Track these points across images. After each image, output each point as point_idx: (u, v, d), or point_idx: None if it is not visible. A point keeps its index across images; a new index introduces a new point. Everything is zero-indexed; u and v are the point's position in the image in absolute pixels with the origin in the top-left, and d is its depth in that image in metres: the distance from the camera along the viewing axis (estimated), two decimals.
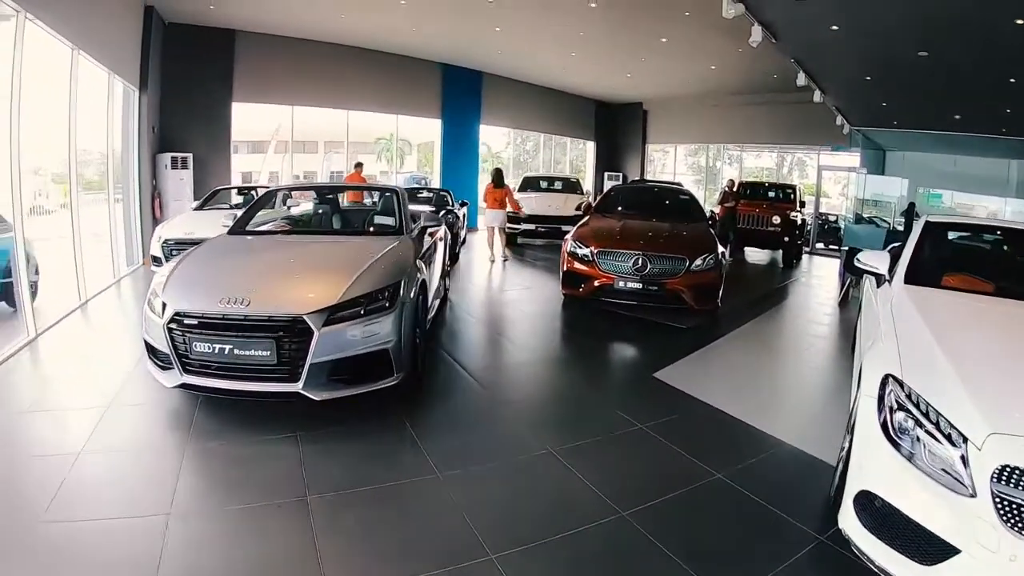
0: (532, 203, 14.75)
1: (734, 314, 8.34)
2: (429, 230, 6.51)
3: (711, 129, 21.45)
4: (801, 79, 10.40)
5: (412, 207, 8.25)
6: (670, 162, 24.41)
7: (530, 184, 16.75)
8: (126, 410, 4.57)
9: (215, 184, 13.31)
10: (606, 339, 7.25)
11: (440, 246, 7.56)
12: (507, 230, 13.54)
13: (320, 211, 7.25)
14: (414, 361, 4.84)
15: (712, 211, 10.85)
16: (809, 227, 16.86)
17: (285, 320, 4.14)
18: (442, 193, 14.46)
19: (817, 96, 11.60)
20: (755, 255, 15.50)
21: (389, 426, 4.36)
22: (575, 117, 23.12)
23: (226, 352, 4.13)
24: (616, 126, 24.25)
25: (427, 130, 20.49)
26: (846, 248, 10.38)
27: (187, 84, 14.21)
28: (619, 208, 9.85)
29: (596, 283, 7.71)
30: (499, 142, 25.30)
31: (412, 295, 4.80)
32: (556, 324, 7.84)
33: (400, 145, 31.24)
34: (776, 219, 13.97)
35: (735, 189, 14.51)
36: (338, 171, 20.07)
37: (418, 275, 5.17)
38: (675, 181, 17.73)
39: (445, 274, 8.29)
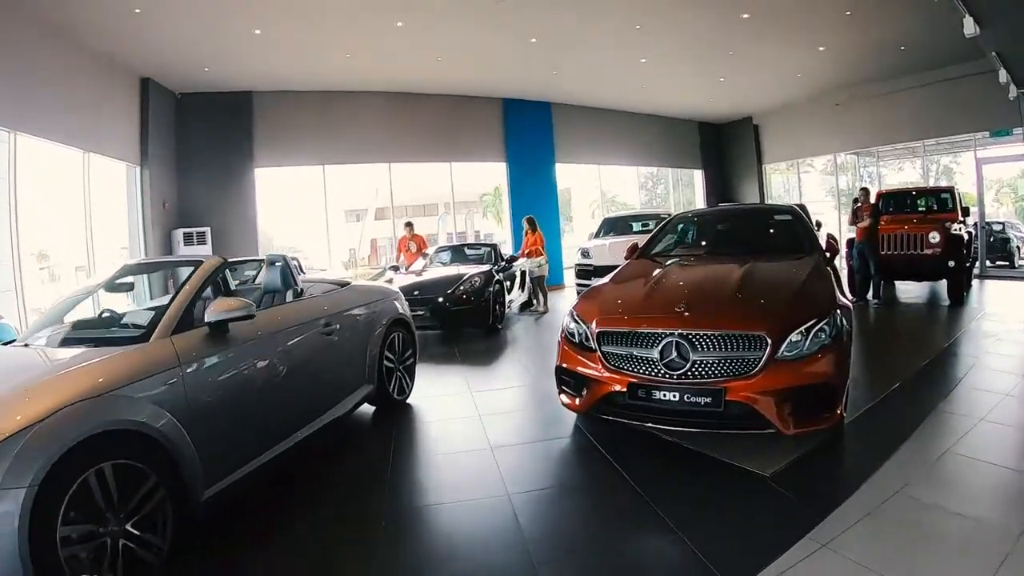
0: (604, 252, 11.34)
1: (867, 431, 4.44)
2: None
3: (837, 136, 16.66)
4: None
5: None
6: (800, 182, 19.49)
7: (613, 227, 12.99)
8: None
9: (241, 254, 11.44)
10: (583, 534, 3.41)
11: (335, 340, 4.71)
12: (576, 285, 12.06)
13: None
14: None
15: (830, 236, 6.56)
16: (976, 242, 11.91)
17: None
18: (490, 248, 11.15)
19: (969, 26, 6.91)
20: (908, 290, 10.86)
21: None
22: (674, 144, 19.00)
23: None
24: (725, 149, 19.93)
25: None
26: None
27: (204, 155, 12.72)
28: (681, 247, 6.37)
29: (602, 390, 4.15)
30: (625, 188, 21.23)
31: None
32: (527, 487, 3.97)
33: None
34: (934, 236, 9.46)
35: (873, 202, 9.96)
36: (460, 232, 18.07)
37: None
38: (799, 204, 13.50)
39: (381, 378, 5.32)
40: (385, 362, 5.29)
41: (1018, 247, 15.11)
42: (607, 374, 4.09)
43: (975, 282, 11.35)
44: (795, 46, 11.77)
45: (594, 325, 4.26)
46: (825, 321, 3.87)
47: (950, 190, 10.97)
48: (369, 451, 4.71)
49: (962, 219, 10.28)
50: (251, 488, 3.54)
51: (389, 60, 11.78)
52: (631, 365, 4.04)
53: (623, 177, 20.15)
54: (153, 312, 3.49)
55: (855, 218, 9.85)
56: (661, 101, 16.76)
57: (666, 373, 3.87)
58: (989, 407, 4.66)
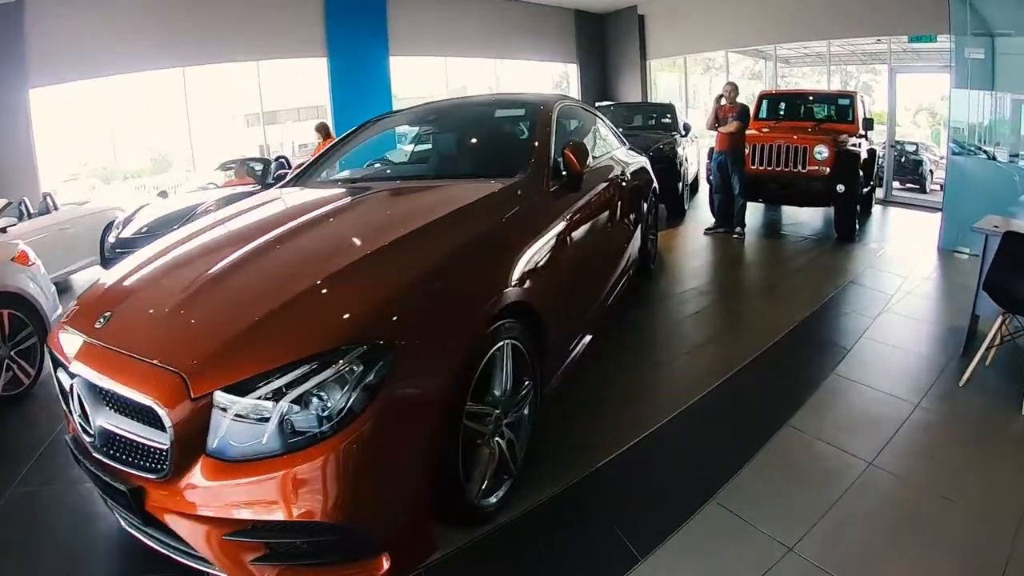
0: None
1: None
2: None
3: (729, 30, 13.34)
4: None
5: None
6: (687, 82, 15.80)
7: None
8: None
9: (16, 192, 8.71)
10: None
11: None
12: None
13: None
14: None
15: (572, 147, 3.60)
16: (882, 162, 9.17)
17: None
18: (280, 159, 8.69)
19: None
20: (794, 216, 8.21)
21: None
22: (544, 34, 15.29)
23: None
24: (607, 42, 16.34)
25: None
26: (997, 235, 3.16)
27: None
28: (361, 165, 3.92)
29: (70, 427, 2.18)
30: (538, 87, 16.73)
31: None
32: None
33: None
34: (821, 151, 6.81)
35: (732, 100, 6.98)
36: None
37: None
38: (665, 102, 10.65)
39: None
40: None
41: (931, 171, 12.49)
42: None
43: (877, 208, 8.74)
44: None
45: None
46: (336, 368, 1.66)
47: (850, 96, 8.18)
48: None
49: (863, 133, 7.60)
50: None
51: None
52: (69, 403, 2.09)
53: (536, 74, 16.35)
54: None
55: (716, 122, 7.03)
56: None
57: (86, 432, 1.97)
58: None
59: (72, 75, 10.14)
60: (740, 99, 7.07)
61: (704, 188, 8.45)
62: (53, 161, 10.97)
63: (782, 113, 8.29)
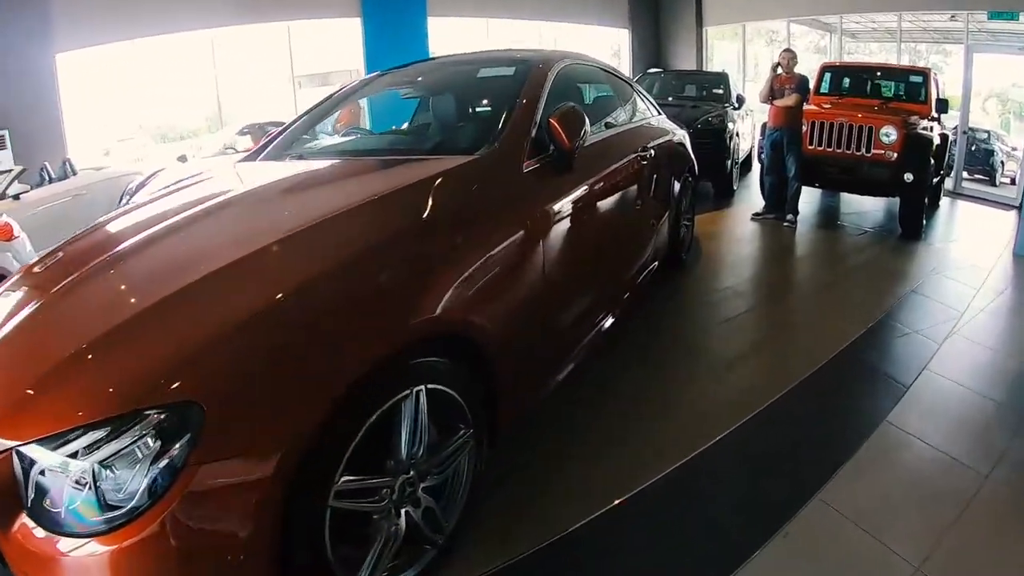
0: None
1: None
2: None
3: None
4: None
5: None
6: (744, 51, 14.52)
7: None
8: None
9: (41, 158, 8.29)
10: None
11: None
12: None
13: None
14: None
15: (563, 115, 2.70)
16: (954, 147, 8.11)
17: None
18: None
19: None
20: (858, 204, 7.34)
21: None
22: None
23: None
24: (660, 5, 15.17)
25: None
26: None
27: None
28: (344, 134, 3.28)
29: None
30: (600, 54, 16.19)
31: None
32: None
33: None
34: (888, 133, 5.96)
35: (789, 70, 6.15)
36: None
37: None
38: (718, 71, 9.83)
39: None
40: None
41: (1002, 162, 11.32)
42: None
43: (945, 201, 7.77)
44: None
45: None
46: (128, 437, 1.24)
47: (923, 73, 7.21)
48: None
49: (936, 116, 6.69)
50: None
51: None
52: None
53: (593, 40, 15.19)
54: None
55: (771, 94, 6.20)
56: None
57: None
58: None
59: (99, 38, 9.86)
60: (800, 71, 6.27)
61: (756, 167, 7.69)
62: (106, 122, 10.89)
63: (846, 88, 7.40)
